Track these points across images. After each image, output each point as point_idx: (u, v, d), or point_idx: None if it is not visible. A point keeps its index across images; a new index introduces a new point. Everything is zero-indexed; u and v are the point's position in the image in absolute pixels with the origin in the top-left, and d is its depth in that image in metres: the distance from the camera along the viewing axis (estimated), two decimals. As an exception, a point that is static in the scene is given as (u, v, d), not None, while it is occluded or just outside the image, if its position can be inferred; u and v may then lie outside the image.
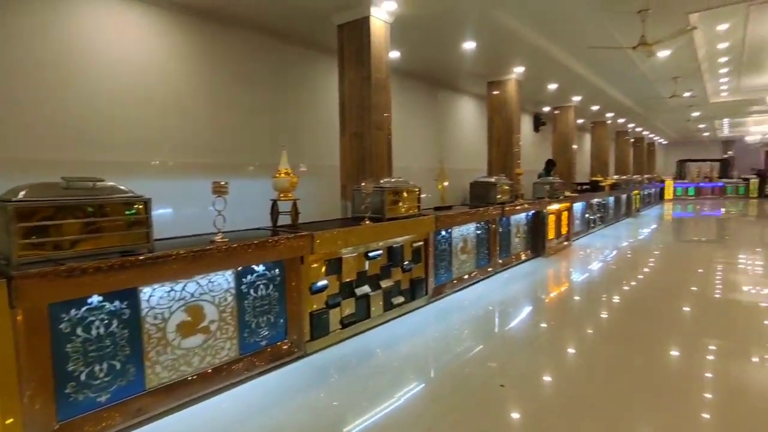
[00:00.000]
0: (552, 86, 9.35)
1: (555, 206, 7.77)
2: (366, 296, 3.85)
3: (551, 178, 8.32)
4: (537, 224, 7.23)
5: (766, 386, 2.77)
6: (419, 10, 5.18)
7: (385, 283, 4.03)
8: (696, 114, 14.64)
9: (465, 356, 3.34)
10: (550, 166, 9.82)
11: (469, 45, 6.63)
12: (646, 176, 17.84)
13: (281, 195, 3.55)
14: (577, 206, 9.36)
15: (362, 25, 4.97)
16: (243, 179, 5.79)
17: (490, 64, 7.73)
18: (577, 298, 5.11)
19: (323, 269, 3.49)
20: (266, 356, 3.07)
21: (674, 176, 24.16)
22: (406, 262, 4.30)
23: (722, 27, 6.91)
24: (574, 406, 2.59)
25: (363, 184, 3.88)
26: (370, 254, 3.87)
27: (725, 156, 24.91)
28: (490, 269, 5.83)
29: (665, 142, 25.50)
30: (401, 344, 3.60)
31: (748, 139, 20.72)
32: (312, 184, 6.24)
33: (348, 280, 3.68)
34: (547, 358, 3.31)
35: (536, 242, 7.21)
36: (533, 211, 7.15)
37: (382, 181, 4.20)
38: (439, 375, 3.07)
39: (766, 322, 4.01)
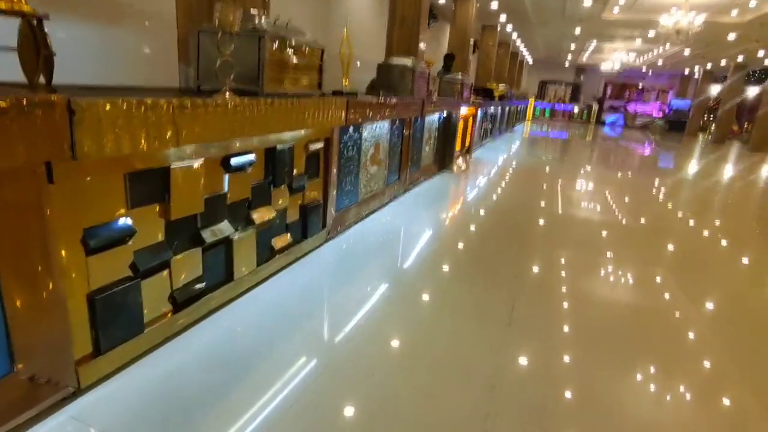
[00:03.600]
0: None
1: (464, 110, 6.45)
2: (225, 242, 2.00)
3: (459, 76, 6.86)
4: (447, 131, 5.84)
5: None
6: None
7: (260, 216, 2.20)
8: (578, 31, 14.39)
9: (414, 349, 1.83)
10: (449, 61, 8.22)
11: None
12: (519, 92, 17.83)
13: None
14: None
15: None
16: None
17: None
18: (513, 229, 3.92)
19: (120, 193, 1.52)
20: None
21: (536, 96, 25.20)
22: (295, 177, 2.49)
23: None
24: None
25: (218, 13, 1.82)
26: (234, 161, 1.96)
27: (577, 81, 26.63)
28: (398, 187, 4.31)
29: (530, 62, 26.05)
30: (287, 321, 1.93)
31: (604, 66, 21.93)
32: (137, 37, 3.77)
33: (185, 214, 1.76)
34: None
35: (444, 154, 5.87)
36: (445, 115, 5.71)
37: (258, 21, 2.16)
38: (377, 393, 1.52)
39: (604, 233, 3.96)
